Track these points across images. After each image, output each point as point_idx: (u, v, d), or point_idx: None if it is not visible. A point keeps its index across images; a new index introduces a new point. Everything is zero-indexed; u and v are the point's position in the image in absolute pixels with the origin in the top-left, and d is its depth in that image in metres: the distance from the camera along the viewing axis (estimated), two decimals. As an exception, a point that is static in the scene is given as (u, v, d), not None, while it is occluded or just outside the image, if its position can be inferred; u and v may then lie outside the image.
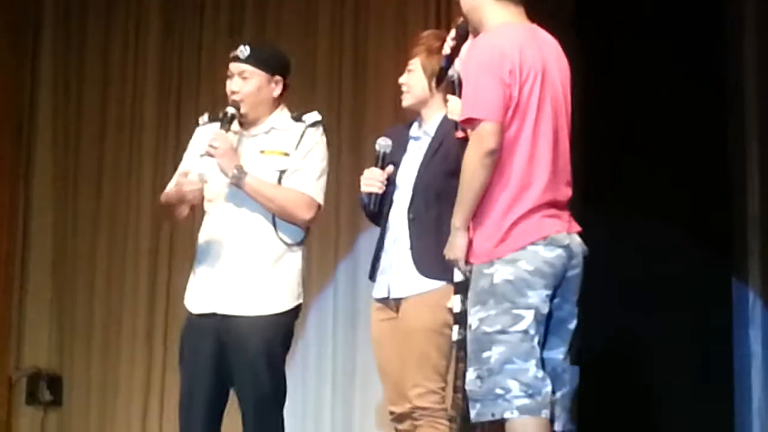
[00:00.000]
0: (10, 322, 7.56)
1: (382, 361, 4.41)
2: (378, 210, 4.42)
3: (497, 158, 3.60)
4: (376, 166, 4.41)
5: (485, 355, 3.59)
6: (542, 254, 3.61)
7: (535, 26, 3.81)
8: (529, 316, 3.58)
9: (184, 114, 7.20)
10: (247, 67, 4.39)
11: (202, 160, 4.42)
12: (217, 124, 4.42)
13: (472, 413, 3.62)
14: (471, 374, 3.62)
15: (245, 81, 4.39)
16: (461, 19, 3.99)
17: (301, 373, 6.66)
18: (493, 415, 3.57)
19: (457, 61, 4.03)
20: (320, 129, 4.47)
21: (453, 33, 4.06)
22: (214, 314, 4.36)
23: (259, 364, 4.30)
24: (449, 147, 4.27)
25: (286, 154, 4.40)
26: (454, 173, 4.25)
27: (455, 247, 3.69)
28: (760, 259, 6.17)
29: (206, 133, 4.48)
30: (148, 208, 7.36)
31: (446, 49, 4.07)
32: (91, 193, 7.54)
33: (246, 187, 4.31)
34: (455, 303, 4.08)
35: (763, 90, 6.24)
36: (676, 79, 6.54)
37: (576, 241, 3.73)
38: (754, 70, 6.29)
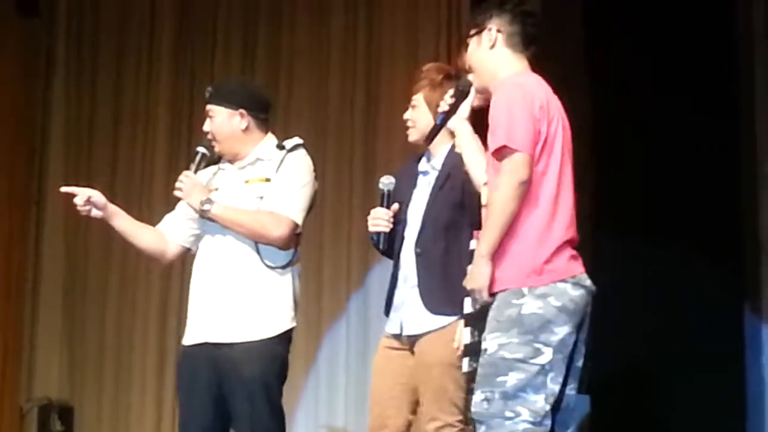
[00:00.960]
0: (21, 353, 7.57)
1: (375, 387, 4.41)
2: (389, 247, 4.44)
3: (527, 190, 3.66)
4: (381, 205, 4.43)
5: (500, 379, 3.63)
6: (570, 292, 3.68)
7: (541, 78, 3.88)
8: (548, 352, 3.63)
9: (196, 136, 7.21)
10: (212, 107, 4.52)
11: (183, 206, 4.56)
12: (208, 168, 4.58)
13: None
14: (478, 396, 3.67)
15: (212, 120, 4.53)
16: (461, 78, 4.07)
17: (313, 404, 6.65)
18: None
19: (453, 119, 4.07)
20: (301, 151, 4.52)
21: (452, 91, 4.10)
22: (206, 343, 4.40)
23: (256, 396, 4.31)
24: (456, 179, 4.29)
25: (267, 180, 4.47)
26: (461, 204, 4.29)
27: (479, 275, 3.72)
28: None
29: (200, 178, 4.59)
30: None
31: (444, 106, 4.11)
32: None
33: (214, 216, 4.39)
34: (465, 335, 4.10)
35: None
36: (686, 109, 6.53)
37: (589, 282, 3.79)
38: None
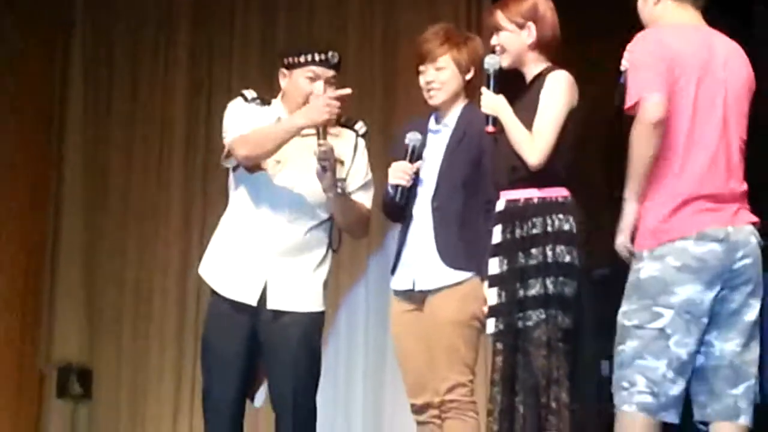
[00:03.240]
0: (40, 316, 7.61)
1: (403, 354, 4.42)
2: (398, 208, 4.42)
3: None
4: (405, 159, 4.42)
5: (620, 347, 3.62)
6: (691, 250, 3.58)
7: (712, 31, 3.78)
8: (668, 314, 3.56)
9: (215, 116, 7.25)
10: (335, 73, 4.41)
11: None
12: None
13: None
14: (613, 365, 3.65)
15: (332, 87, 4.38)
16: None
17: (333, 367, 6.68)
18: (616, 405, 3.61)
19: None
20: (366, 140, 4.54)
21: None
22: (251, 306, 4.33)
23: (301, 353, 4.31)
24: (473, 136, 4.30)
25: (342, 163, 4.41)
26: (478, 162, 4.30)
27: (623, 215, 3.66)
28: None
29: (258, 112, 4.42)
30: (179, 205, 7.40)
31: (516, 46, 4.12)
32: (121, 185, 7.61)
33: (338, 199, 4.33)
34: (491, 296, 4.10)
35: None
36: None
37: (744, 233, 3.65)
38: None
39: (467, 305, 4.24)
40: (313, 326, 4.38)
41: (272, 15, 7.49)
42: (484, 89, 4.15)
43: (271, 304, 4.33)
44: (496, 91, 4.13)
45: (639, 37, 3.72)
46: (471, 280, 4.25)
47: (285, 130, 4.31)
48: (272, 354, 4.33)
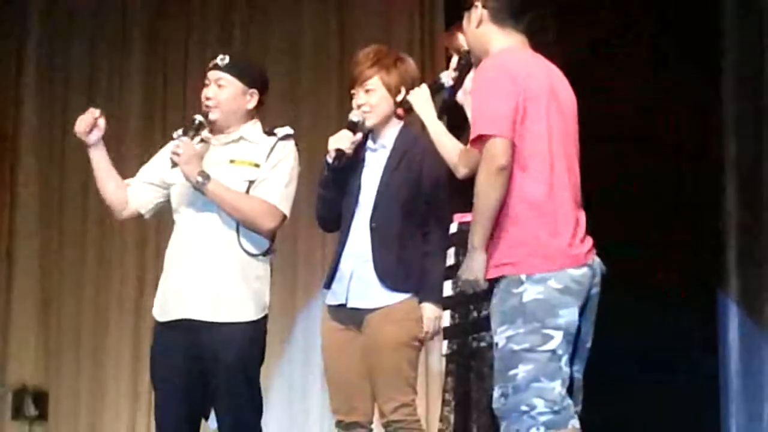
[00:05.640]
0: (-6, 338, 7.56)
1: (333, 370, 4.40)
2: (334, 219, 4.42)
3: (510, 173, 3.57)
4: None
5: (511, 372, 3.56)
6: (570, 272, 3.59)
7: (538, 54, 3.79)
8: (558, 336, 3.55)
9: (170, 125, 7.23)
10: (224, 75, 4.44)
11: (170, 170, 4.43)
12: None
13: (501, 430, 3.62)
14: (496, 392, 3.59)
15: (221, 89, 4.44)
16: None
17: (288, 381, 6.67)
18: (518, 431, 3.56)
19: (460, 93, 4.07)
20: (291, 142, 4.49)
21: (455, 63, 4.09)
22: (182, 321, 4.33)
23: (236, 377, 4.30)
24: (412, 158, 4.31)
25: (257, 165, 4.41)
26: (418, 183, 4.30)
27: (474, 268, 3.62)
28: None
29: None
30: (134, 221, 7.35)
31: (449, 81, 4.10)
32: (78, 205, 7.58)
33: (209, 192, 4.32)
34: (445, 318, 4.14)
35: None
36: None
37: (597, 260, 3.71)
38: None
39: (406, 326, 4.26)
40: (248, 341, 4.35)
41: (228, 33, 7.49)
42: (424, 86, 4.15)
43: (195, 315, 4.32)
44: (437, 106, 4.12)
45: (480, 68, 3.72)
46: (408, 300, 4.27)
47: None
48: (209, 376, 4.32)
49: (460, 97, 4.10)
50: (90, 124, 4.47)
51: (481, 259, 3.60)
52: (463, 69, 4.05)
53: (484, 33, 3.78)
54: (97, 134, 4.47)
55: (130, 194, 4.56)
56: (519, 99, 3.59)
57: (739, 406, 6.41)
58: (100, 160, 4.52)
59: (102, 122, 4.47)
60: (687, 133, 6.62)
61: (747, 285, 6.47)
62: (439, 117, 4.10)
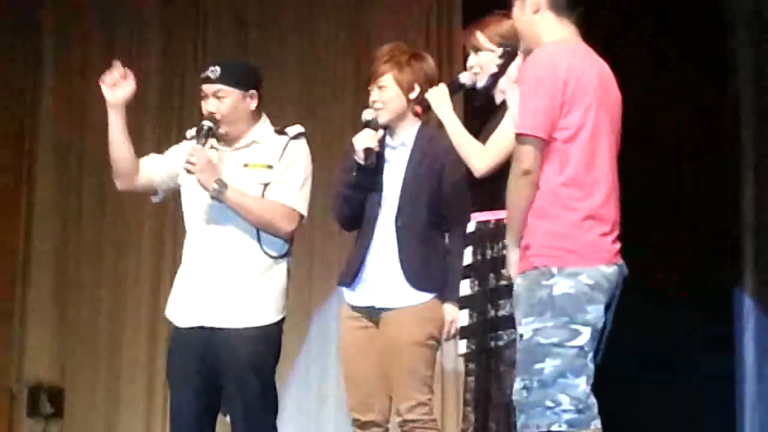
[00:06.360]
0: (11, 334, 7.57)
1: (351, 369, 4.40)
2: (356, 217, 4.41)
3: (537, 176, 3.55)
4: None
5: (537, 366, 3.52)
6: (602, 269, 3.57)
7: (590, 49, 3.75)
8: (586, 332, 3.53)
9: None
10: (220, 86, 4.39)
11: (184, 176, 4.42)
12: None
13: (518, 423, 3.59)
14: (518, 384, 3.56)
15: (221, 101, 4.39)
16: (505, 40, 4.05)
17: (305, 383, 6.68)
18: (538, 426, 3.52)
19: (503, 80, 4.06)
20: (303, 141, 4.47)
21: (500, 51, 4.09)
22: (200, 328, 4.34)
23: (248, 376, 4.30)
24: (434, 156, 4.31)
25: (270, 167, 4.39)
26: (440, 181, 4.30)
27: (510, 264, 3.68)
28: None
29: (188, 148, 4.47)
30: (151, 223, 7.39)
31: (493, 68, 4.10)
32: (96, 204, 7.59)
33: (226, 200, 4.31)
34: (462, 317, 4.13)
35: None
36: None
37: (622, 262, 3.69)
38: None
39: (426, 326, 4.27)
40: (263, 342, 4.35)
41: (245, 37, 7.50)
42: (443, 84, 4.17)
43: (213, 323, 4.33)
44: (455, 104, 4.15)
45: (531, 59, 3.67)
46: (431, 300, 4.28)
47: None
48: (223, 377, 4.33)
49: (503, 83, 4.09)
50: (116, 79, 4.39)
51: (515, 256, 3.62)
52: (509, 56, 4.04)
53: (539, 21, 3.71)
54: (120, 93, 4.39)
55: (142, 165, 4.49)
56: (564, 96, 3.56)
57: (756, 404, 6.40)
58: (119, 122, 4.41)
59: (131, 83, 4.39)
60: (704, 132, 6.61)
61: (763, 284, 6.46)
62: (477, 105, 4.16)
